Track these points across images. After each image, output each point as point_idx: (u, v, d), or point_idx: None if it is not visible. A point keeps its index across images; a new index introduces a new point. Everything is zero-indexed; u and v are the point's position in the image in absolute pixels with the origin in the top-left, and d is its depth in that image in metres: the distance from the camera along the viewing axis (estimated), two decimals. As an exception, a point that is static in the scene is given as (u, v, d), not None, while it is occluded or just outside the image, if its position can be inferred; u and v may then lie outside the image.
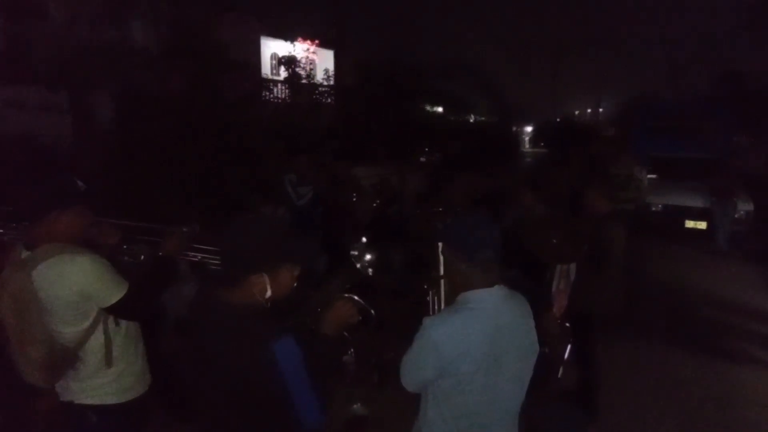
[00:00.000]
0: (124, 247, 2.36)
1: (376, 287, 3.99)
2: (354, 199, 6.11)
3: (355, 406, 3.24)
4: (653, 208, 9.28)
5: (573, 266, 3.64)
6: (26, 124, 7.03)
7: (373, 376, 3.85)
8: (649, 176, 9.67)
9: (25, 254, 1.95)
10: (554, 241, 3.44)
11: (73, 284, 1.89)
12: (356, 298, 1.81)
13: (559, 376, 4.02)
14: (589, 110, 42.46)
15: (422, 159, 10.63)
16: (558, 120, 32.22)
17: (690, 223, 8.95)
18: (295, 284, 1.62)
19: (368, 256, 2.24)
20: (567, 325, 3.87)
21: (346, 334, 1.87)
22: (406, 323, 2.04)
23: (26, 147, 6.30)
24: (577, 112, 42.44)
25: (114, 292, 1.97)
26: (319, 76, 13.60)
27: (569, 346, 4.02)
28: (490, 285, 1.65)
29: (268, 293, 1.54)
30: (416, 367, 1.67)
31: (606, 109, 37.81)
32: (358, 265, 2.16)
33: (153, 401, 2.39)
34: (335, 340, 1.71)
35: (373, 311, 1.89)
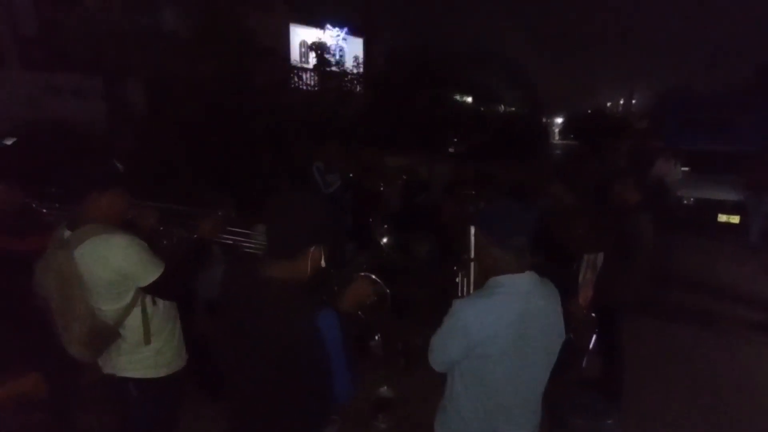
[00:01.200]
0: (161, 229, 2.41)
1: (402, 272, 4.04)
2: (382, 188, 6.12)
3: (382, 388, 3.29)
4: (685, 202, 9.06)
5: (600, 257, 3.60)
6: (62, 109, 7.24)
7: (399, 361, 3.92)
8: (682, 169, 9.45)
9: (67, 234, 2.02)
10: (581, 231, 3.40)
11: (112, 264, 1.96)
12: (373, 276, 1.83)
13: (584, 365, 4.00)
14: (621, 102, 41.30)
15: (450, 150, 10.57)
16: (589, 112, 31.50)
17: (723, 217, 8.69)
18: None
19: (391, 240, 2.27)
20: (593, 315, 3.86)
21: (360, 314, 1.89)
22: (432, 309, 2.06)
23: (62, 132, 6.50)
24: (609, 104, 41.31)
25: (150, 272, 2.03)
26: (349, 64, 13.56)
27: (594, 336, 4.01)
28: (522, 270, 1.66)
29: (323, 264, 1.59)
30: (445, 347, 1.71)
31: (639, 101, 36.72)
32: (383, 245, 2.20)
33: (185, 380, 2.48)
34: (351, 318, 1.75)
35: (388, 291, 1.90)
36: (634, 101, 38.09)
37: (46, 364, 2.90)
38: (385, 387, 3.33)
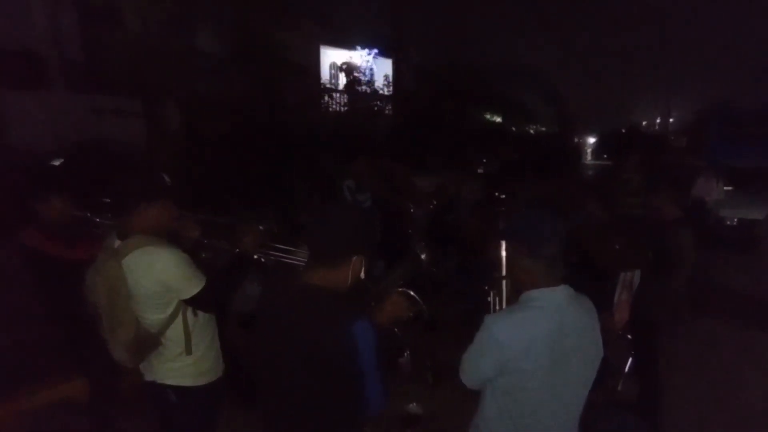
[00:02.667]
0: (204, 241, 2.48)
1: (433, 289, 4.05)
2: (411, 207, 6.15)
3: (410, 405, 3.28)
4: (728, 222, 8.72)
5: (637, 277, 3.52)
6: (104, 129, 7.60)
7: (427, 377, 3.90)
8: (725, 188, 9.08)
9: (117, 243, 2.12)
10: (617, 247, 3.33)
11: (157, 276, 2.04)
12: (411, 293, 1.85)
13: (619, 388, 3.89)
14: (658, 120, 40.28)
15: (479, 170, 10.54)
16: (623, 131, 30.86)
17: (769, 239, 8.33)
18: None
19: (430, 256, 2.29)
20: (629, 336, 3.75)
21: (396, 330, 1.91)
22: (462, 326, 2.06)
23: (104, 150, 6.85)
24: (644, 123, 40.34)
25: (192, 285, 2.10)
26: (379, 83, 13.77)
27: (630, 359, 3.89)
28: (556, 283, 1.63)
29: (361, 273, 1.63)
30: (477, 363, 1.68)
31: (677, 118, 35.76)
32: (423, 260, 2.23)
33: (222, 389, 2.54)
34: (387, 332, 1.77)
35: (425, 308, 1.90)
36: (671, 119, 37.13)
37: (90, 369, 3.05)
38: (414, 403, 3.31)
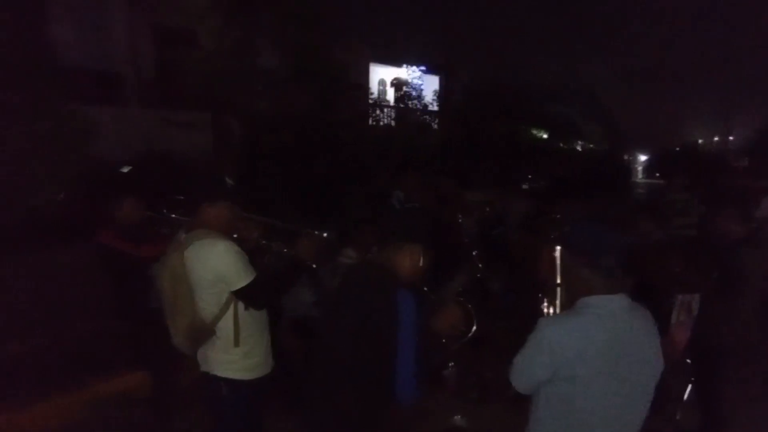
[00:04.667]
0: (263, 242, 2.59)
1: (481, 305, 4.01)
2: (460, 219, 6.14)
3: (456, 417, 3.27)
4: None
5: (697, 299, 3.36)
6: (174, 141, 8.11)
7: (472, 393, 3.86)
8: None
9: (183, 237, 2.30)
10: (676, 268, 3.20)
11: (210, 264, 2.18)
12: (469, 306, 1.89)
13: (678, 417, 3.70)
14: (716, 138, 38.39)
15: (524, 186, 10.41)
16: (677, 149, 29.63)
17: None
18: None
19: (486, 267, 2.40)
20: (688, 361, 3.58)
21: (444, 341, 1.98)
22: (508, 343, 2.04)
23: (169, 160, 7.31)
24: (700, 141, 38.54)
25: (242, 277, 2.21)
26: (429, 98, 13.94)
27: (690, 386, 3.70)
28: (614, 292, 1.60)
29: (419, 262, 1.85)
30: (529, 366, 1.65)
31: (737, 137, 34.01)
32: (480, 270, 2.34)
33: (270, 387, 2.62)
34: (436, 341, 1.90)
35: (475, 321, 2.00)
36: (731, 138, 35.30)
37: (153, 363, 3.22)
38: (459, 416, 3.30)
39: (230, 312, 2.26)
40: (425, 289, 2.04)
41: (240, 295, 2.23)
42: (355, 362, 1.75)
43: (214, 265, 2.17)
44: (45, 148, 5.07)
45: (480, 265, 2.45)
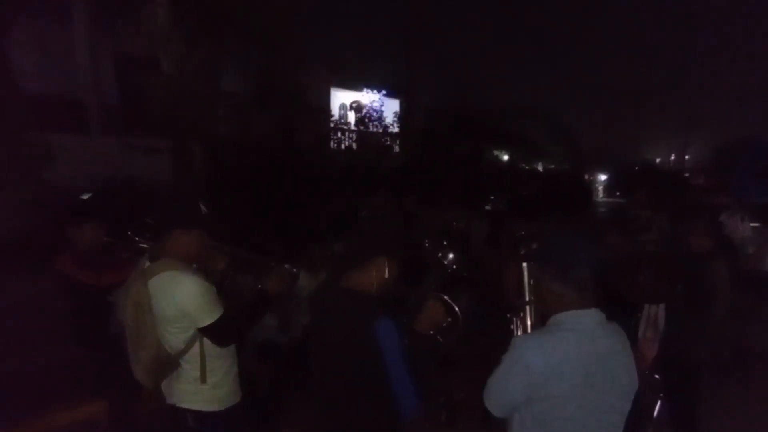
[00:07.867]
0: (229, 274, 2.51)
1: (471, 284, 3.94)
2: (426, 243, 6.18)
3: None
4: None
5: (662, 313, 3.37)
6: (134, 167, 7.97)
7: (440, 414, 3.82)
8: (752, 225, 8.88)
9: (147, 264, 2.18)
10: (642, 278, 3.23)
11: (176, 301, 2.08)
12: (445, 297, 1.86)
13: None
14: (672, 156, 40.03)
15: (487, 207, 10.58)
16: (636, 168, 30.76)
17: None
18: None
19: (456, 255, 2.38)
20: (656, 377, 3.58)
21: (439, 338, 1.93)
22: (476, 364, 2.02)
23: (130, 186, 7.16)
24: (658, 160, 40.10)
25: (208, 315, 2.12)
26: (389, 120, 14.12)
27: (659, 402, 3.70)
28: (587, 307, 1.56)
29: (386, 275, 1.73)
30: (504, 388, 1.58)
31: (693, 155, 35.56)
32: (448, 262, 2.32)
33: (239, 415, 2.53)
34: (427, 338, 1.82)
35: (457, 309, 1.89)
36: (687, 156, 36.88)
37: (111, 392, 3.06)
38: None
39: (197, 345, 2.18)
40: (396, 298, 1.98)
41: (206, 332, 2.15)
42: (350, 389, 1.70)
43: (180, 300, 2.08)
44: (2, 174, 4.91)
45: (451, 255, 2.44)
